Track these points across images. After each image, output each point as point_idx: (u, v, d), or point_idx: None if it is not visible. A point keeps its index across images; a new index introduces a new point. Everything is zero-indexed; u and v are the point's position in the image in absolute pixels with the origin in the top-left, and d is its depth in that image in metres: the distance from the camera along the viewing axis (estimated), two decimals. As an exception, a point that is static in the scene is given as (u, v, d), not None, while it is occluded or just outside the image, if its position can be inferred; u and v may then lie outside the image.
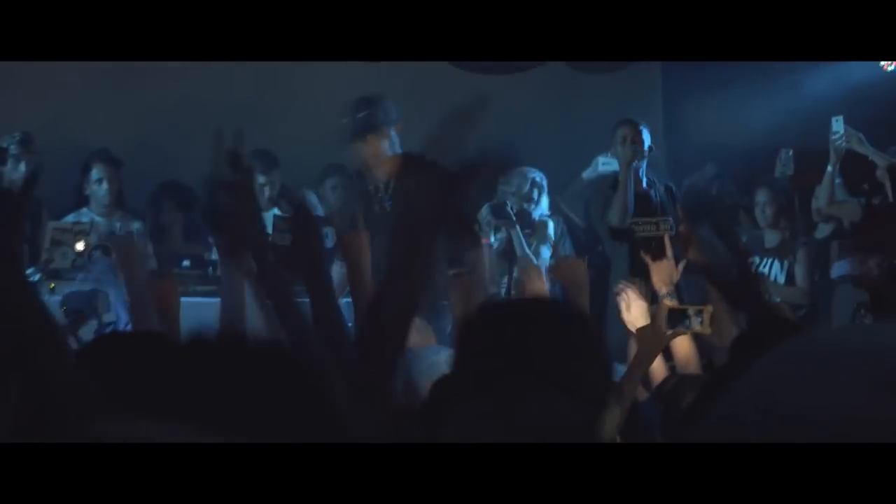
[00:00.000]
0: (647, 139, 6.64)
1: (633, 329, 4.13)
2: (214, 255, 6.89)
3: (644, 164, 6.67)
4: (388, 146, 5.92)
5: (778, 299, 6.46)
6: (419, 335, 4.47)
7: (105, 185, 7.05)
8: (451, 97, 8.34)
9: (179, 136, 8.20)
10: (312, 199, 7.44)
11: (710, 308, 4.01)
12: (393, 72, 8.18)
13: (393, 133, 5.95)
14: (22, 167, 6.90)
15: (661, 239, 4.59)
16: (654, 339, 3.85)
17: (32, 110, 7.81)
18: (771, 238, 6.79)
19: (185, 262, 6.81)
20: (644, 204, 6.52)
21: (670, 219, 6.36)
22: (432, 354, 3.57)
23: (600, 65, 8.81)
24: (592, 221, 6.90)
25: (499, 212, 6.68)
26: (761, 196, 6.81)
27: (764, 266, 6.75)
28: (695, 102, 9.05)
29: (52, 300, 5.93)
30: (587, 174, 7.59)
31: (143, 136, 8.12)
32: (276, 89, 8.50)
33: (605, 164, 7.46)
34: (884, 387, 1.05)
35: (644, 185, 6.66)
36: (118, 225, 6.57)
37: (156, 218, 7.38)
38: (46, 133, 7.32)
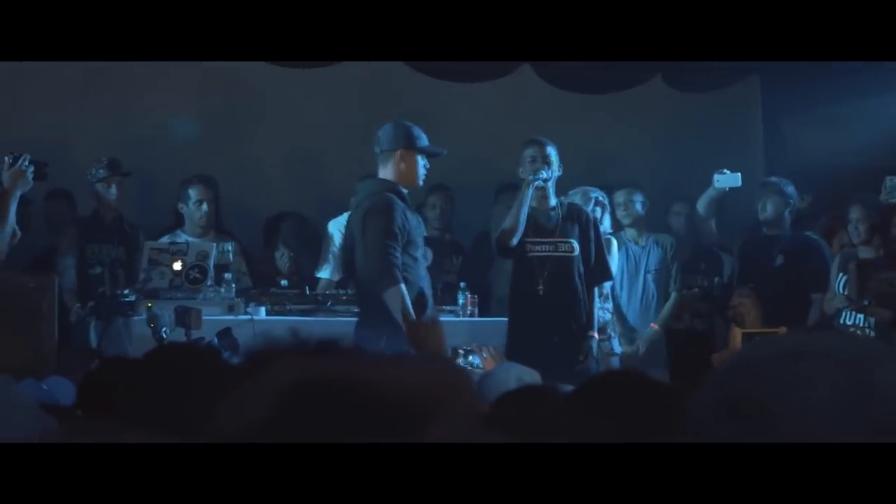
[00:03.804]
0: (554, 160, 6.34)
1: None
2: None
3: (552, 185, 6.39)
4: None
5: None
6: (491, 359, 4.64)
7: (204, 207, 7.18)
8: (550, 115, 8.26)
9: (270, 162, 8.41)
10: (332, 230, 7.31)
11: (783, 330, 4.05)
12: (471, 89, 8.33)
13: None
14: (113, 189, 7.19)
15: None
16: None
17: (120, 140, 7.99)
18: (864, 255, 6.76)
19: (284, 282, 6.98)
20: (542, 224, 6.39)
21: (572, 241, 6.29)
22: (503, 372, 3.69)
23: (700, 84, 8.81)
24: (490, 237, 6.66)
25: None
26: (854, 213, 6.81)
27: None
28: (794, 122, 8.99)
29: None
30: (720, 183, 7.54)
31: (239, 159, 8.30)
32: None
33: (720, 180, 7.45)
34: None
35: (551, 204, 6.44)
36: (213, 245, 6.67)
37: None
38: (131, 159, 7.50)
